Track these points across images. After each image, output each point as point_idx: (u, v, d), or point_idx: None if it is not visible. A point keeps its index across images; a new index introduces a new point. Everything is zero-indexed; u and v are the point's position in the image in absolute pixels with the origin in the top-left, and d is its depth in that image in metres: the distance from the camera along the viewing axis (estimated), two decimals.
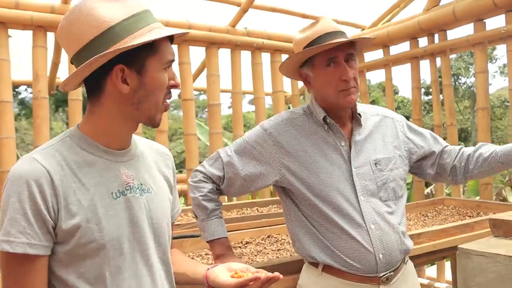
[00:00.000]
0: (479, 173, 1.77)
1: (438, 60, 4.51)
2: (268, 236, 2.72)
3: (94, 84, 1.17)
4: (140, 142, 1.33)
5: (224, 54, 5.47)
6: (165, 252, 1.28)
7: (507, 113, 20.90)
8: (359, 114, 1.72)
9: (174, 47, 5.01)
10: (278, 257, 2.29)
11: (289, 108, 7.96)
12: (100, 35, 1.10)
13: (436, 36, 4.40)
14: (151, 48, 1.14)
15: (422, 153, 1.81)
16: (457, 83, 29.50)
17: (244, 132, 5.68)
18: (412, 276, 1.79)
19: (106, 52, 1.09)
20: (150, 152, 1.34)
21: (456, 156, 1.80)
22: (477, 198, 5.15)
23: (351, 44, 1.66)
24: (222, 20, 5.61)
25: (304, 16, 5.96)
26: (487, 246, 1.63)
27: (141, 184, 1.22)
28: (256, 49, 5.59)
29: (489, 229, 1.83)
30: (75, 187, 1.10)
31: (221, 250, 1.73)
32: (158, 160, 1.35)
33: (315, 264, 1.70)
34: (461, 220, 2.94)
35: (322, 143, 1.68)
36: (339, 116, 1.71)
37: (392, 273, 1.66)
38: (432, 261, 3.70)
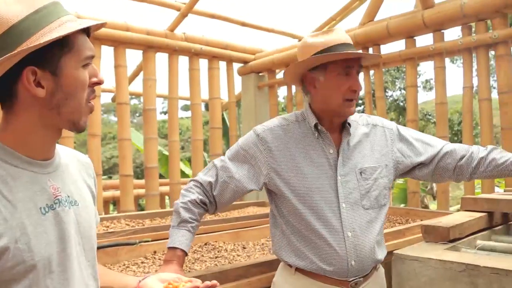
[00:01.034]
0: (487, 176, 1.80)
1: (372, 73, 4.69)
2: (205, 244, 2.70)
3: (4, 91, 1.02)
4: (62, 151, 1.21)
5: (160, 59, 5.41)
6: (94, 267, 1.18)
7: (428, 126, 22.11)
8: (349, 124, 1.76)
9: (110, 49, 4.91)
10: (216, 265, 2.28)
11: (223, 115, 7.96)
12: (1, 36, 0.97)
13: (371, 50, 4.59)
14: (64, 44, 1.01)
15: (409, 163, 1.83)
16: (384, 95, 30.74)
17: (180, 138, 5.62)
18: (381, 282, 1.83)
19: (9, 55, 0.94)
20: (73, 161, 1.24)
21: (463, 157, 1.80)
22: (402, 205, 5.40)
23: (359, 58, 1.72)
24: (161, 24, 5.54)
25: (243, 24, 6.01)
26: (419, 251, 1.70)
27: (68, 196, 1.12)
28: (194, 55, 5.56)
29: (419, 235, 1.91)
30: (0, 205, 0.97)
31: (171, 257, 1.67)
32: (81, 169, 1.25)
33: (288, 264, 1.75)
34: (392, 227, 3.06)
35: (311, 149, 1.72)
36: (330, 124, 1.75)
37: (361, 278, 1.71)
38: None
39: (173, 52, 5.36)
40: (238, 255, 2.49)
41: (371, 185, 1.72)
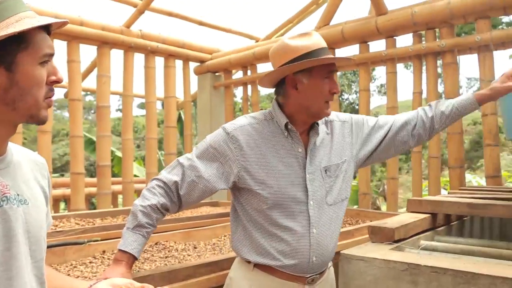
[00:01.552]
0: (443, 128, 1.97)
1: None
2: (156, 243, 2.67)
3: None
4: (15, 149, 1.18)
5: (116, 55, 5.31)
6: (40, 269, 1.14)
7: None
8: (317, 123, 1.80)
9: (63, 44, 4.78)
10: (166, 265, 2.26)
11: (179, 114, 7.90)
12: None
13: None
14: (21, 40, 1.00)
15: (369, 148, 1.90)
16: (340, 99, 31.32)
17: (133, 136, 5.55)
18: (332, 280, 1.88)
19: None
20: (26, 160, 1.21)
21: (415, 124, 1.91)
22: (355, 207, 5.52)
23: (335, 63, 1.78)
24: (117, 20, 5.44)
25: (201, 23, 5.99)
26: (365, 251, 1.75)
27: (18, 194, 1.09)
28: (150, 53, 5.49)
29: (367, 236, 1.96)
30: None
31: (121, 257, 1.64)
32: (34, 169, 1.22)
33: (247, 260, 1.75)
34: (343, 227, 3.12)
35: (280, 148, 1.73)
36: (302, 125, 1.77)
37: (318, 275, 1.76)
38: None
39: (129, 49, 5.28)
40: (189, 255, 2.48)
41: (334, 182, 1.78)
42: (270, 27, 6.07)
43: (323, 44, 1.71)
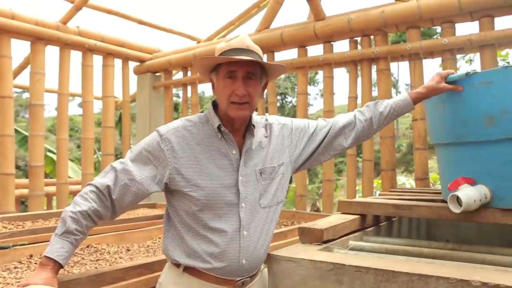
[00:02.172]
0: (381, 128, 2.04)
1: None
2: (87, 246, 2.61)
3: None
4: None
5: (51, 52, 5.14)
6: None
7: None
8: (253, 125, 1.79)
9: None
10: (97, 268, 2.21)
11: (120, 114, 7.74)
12: None
13: (265, 56, 4.72)
14: None
15: (307, 152, 1.93)
16: (284, 101, 31.72)
17: (69, 135, 5.38)
18: (265, 283, 1.87)
19: None
20: None
21: (353, 129, 1.96)
22: (294, 208, 5.61)
23: (255, 63, 1.72)
24: (53, 15, 5.26)
25: (141, 22, 5.90)
26: (294, 252, 1.78)
27: None
28: (88, 50, 5.35)
29: (299, 237, 2.00)
30: None
31: (47, 262, 1.58)
32: None
33: (177, 264, 1.72)
34: (278, 229, 3.17)
35: (214, 150, 1.72)
36: (233, 126, 1.76)
37: (248, 278, 1.75)
38: None
39: (65, 46, 5.12)
40: (121, 258, 2.44)
41: (268, 184, 1.79)
42: (213, 29, 6.06)
43: (241, 45, 1.70)
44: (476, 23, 3.55)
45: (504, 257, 1.70)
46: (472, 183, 1.82)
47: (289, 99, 33.03)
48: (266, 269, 1.88)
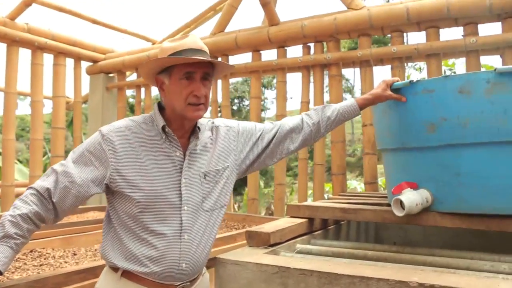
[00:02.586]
0: (327, 132, 2.06)
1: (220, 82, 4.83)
2: (31, 251, 2.52)
3: None
4: None
5: None
6: None
7: None
8: (199, 128, 1.76)
9: None
10: (39, 273, 2.15)
11: (72, 115, 7.54)
12: None
13: (220, 59, 4.70)
14: None
15: (253, 156, 1.92)
16: (241, 105, 31.78)
17: (20, 136, 5.20)
18: (207, 287, 1.86)
19: None
20: None
21: (302, 130, 1.98)
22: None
23: (209, 64, 1.71)
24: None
25: (94, 21, 5.77)
26: (240, 255, 1.79)
27: None
28: (37, 49, 5.19)
29: (246, 240, 2.01)
30: None
31: None
32: None
33: (115, 269, 1.67)
34: (228, 232, 3.17)
35: (157, 152, 1.69)
36: (181, 127, 1.73)
37: (188, 283, 1.72)
38: None
39: (13, 43, 4.95)
40: (66, 262, 2.38)
41: (213, 187, 1.77)
42: (168, 30, 6.01)
43: (195, 46, 1.68)
44: (423, 33, 3.68)
45: (443, 259, 1.77)
46: (415, 187, 1.89)
47: (246, 102, 33.12)
48: (207, 273, 1.88)
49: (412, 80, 1.92)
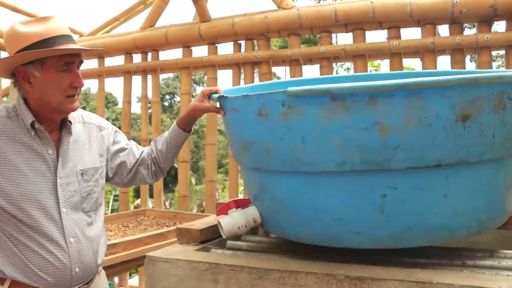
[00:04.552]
0: (171, 163, 1.95)
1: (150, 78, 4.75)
2: None
3: None
4: None
5: None
6: None
7: (206, 132, 23.35)
8: (70, 121, 1.64)
9: None
10: None
11: None
12: None
13: (150, 54, 4.64)
14: None
15: (115, 167, 1.85)
16: (172, 101, 31.35)
17: None
18: (104, 285, 1.81)
19: None
20: None
21: (147, 164, 1.91)
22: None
23: (80, 53, 1.57)
24: None
25: (15, 10, 5.46)
26: (171, 253, 1.78)
27: None
28: None
29: (176, 237, 2.00)
30: None
31: None
32: None
33: (1, 279, 1.53)
34: (158, 229, 3.13)
35: (26, 150, 1.54)
36: (50, 122, 1.60)
37: (85, 285, 1.66)
38: (128, 270, 3.82)
39: None
40: None
41: (92, 187, 1.68)
42: (96, 23, 5.81)
43: (63, 31, 1.54)
44: (350, 34, 3.82)
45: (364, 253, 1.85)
46: (248, 203, 1.82)
47: (177, 98, 32.68)
48: (103, 271, 1.82)
49: (222, 95, 1.70)
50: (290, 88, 1.38)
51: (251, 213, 1.76)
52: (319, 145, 1.40)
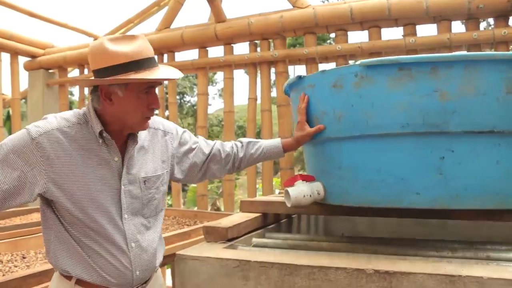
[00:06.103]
0: (246, 167, 2.07)
1: None
2: None
3: None
4: None
5: None
6: None
7: (223, 132, 23.41)
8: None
9: None
10: None
11: (8, 112, 7.23)
12: None
13: (165, 56, 4.70)
14: None
15: (185, 168, 1.88)
16: (182, 101, 31.49)
17: None
18: (160, 282, 1.86)
19: None
20: None
21: (230, 161, 1.96)
22: (196, 208, 5.63)
23: None
24: None
25: (31, 14, 5.56)
26: (200, 251, 1.81)
27: None
28: None
29: (203, 236, 2.04)
30: None
31: None
32: None
33: (68, 277, 1.59)
34: (181, 228, 3.18)
35: (94, 157, 1.57)
36: (117, 133, 1.62)
37: (144, 284, 1.71)
38: None
39: None
40: (16, 266, 2.30)
41: (153, 194, 1.72)
42: (110, 25, 5.89)
43: (148, 53, 1.56)
44: (366, 32, 3.83)
45: (392, 247, 1.88)
46: (312, 180, 1.91)
47: (187, 98, 32.81)
48: (159, 269, 1.88)
49: (300, 76, 1.93)
50: (363, 60, 1.63)
51: (316, 185, 1.88)
52: (386, 109, 1.61)
